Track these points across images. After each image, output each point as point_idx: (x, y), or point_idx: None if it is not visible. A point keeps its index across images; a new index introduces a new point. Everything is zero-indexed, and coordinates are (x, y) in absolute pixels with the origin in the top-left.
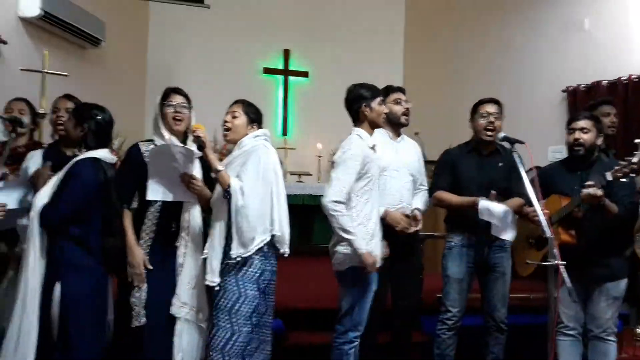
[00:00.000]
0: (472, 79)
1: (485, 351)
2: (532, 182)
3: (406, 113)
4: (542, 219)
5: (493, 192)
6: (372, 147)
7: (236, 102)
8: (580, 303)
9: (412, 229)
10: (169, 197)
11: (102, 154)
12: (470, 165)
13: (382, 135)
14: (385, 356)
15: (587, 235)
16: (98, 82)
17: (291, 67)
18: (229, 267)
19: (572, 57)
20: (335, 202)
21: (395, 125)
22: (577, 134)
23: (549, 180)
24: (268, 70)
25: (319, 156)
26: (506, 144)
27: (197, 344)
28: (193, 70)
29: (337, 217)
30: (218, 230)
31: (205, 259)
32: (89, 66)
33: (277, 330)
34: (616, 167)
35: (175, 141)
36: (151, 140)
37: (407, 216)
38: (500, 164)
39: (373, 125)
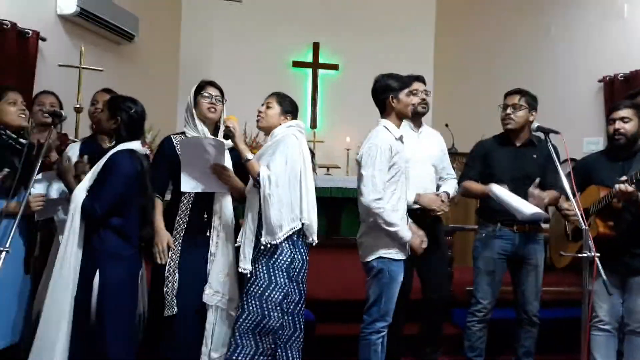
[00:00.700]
0: (504, 69)
1: (517, 344)
2: (567, 175)
3: (422, 102)
4: (577, 210)
5: (537, 180)
6: (399, 139)
7: (272, 94)
8: (616, 297)
9: (445, 210)
10: (202, 189)
11: (136, 145)
12: (504, 156)
13: (402, 126)
14: (413, 347)
15: (625, 227)
16: (132, 77)
17: (321, 60)
18: (260, 254)
19: (610, 46)
20: (376, 199)
21: (414, 115)
22: (618, 124)
23: (589, 170)
24: (297, 64)
25: (348, 149)
26: (541, 135)
27: (227, 330)
28: (223, 64)
29: (381, 214)
30: (250, 219)
31: (237, 248)
32: (123, 61)
33: (306, 321)
34: None
35: (207, 132)
36: (183, 133)
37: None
38: (534, 156)
39: (400, 117)
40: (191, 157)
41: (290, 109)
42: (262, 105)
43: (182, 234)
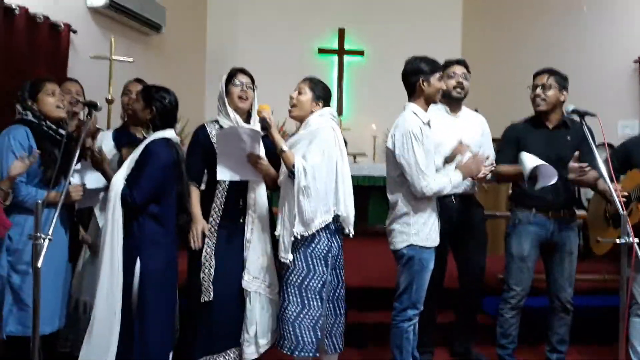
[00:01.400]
0: (534, 51)
1: (550, 332)
2: (605, 161)
3: (458, 86)
4: (615, 195)
5: (577, 153)
6: (427, 123)
7: (304, 79)
8: None
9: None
10: (237, 177)
11: (171, 134)
12: (537, 139)
13: (438, 110)
14: (446, 335)
15: None
16: (160, 67)
17: (346, 47)
18: (298, 243)
19: None
20: (426, 186)
21: (450, 99)
22: None
23: (630, 154)
24: (323, 51)
25: (374, 136)
26: (575, 117)
27: (270, 315)
28: (249, 53)
29: (437, 190)
30: (287, 209)
31: (273, 235)
32: (151, 52)
33: None
34: None
35: (240, 121)
36: (216, 121)
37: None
38: (568, 138)
39: (429, 101)
40: (227, 146)
41: (322, 94)
42: (295, 90)
43: (218, 221)
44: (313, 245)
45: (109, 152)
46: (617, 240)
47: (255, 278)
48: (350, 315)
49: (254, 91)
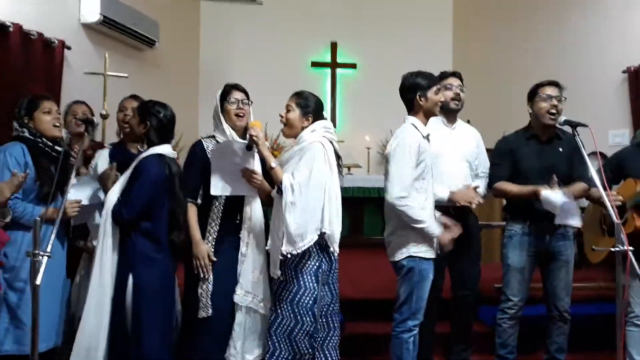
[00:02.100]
0: (525, 62)
1: (549, 341)
2: (598, 171)
3: (456, 98)
4: (609, 204)
5: (555, 177)
6: (426, 137)
7: (292, 95)
8: None
9: (481, 201)
10: (232, 192)
11: (166, 149)
12: (530, 152)
13: (436, 122)
14: (445, 346)
15: None
16: (153, 82)
17: (339, 60)
18: (289, 259)
19: (633, 36)
20: (400, 197)
21: (447, 111)
22: None
23: (623, 163)
24: (316, 64)
25: (368, 148)
26: (566, 128)
27: (259, 330)
28: (242, 67)
29: (407, 212)
30: (277, 224)
31: (268, 250)
32: (145, 66)
33: None
34: None
35: (236, 136)
36: (212, 137)
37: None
38: (560, 149)
39: (428, 115)
40: (221, 160)
41: (311, 108)
42: (284, 109)
43: (215, 236)
44: (303, 261)
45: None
46: (612, 249)
47: (247, 293)
48: (348, 326)
49: (249, 106)
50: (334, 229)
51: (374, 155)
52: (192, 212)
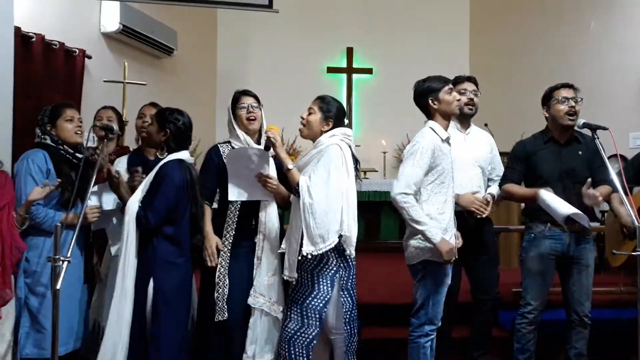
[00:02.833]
0: (543, 66)
1: (568, 346)
2: (618, 173)
3: (469, 103)
4: (629, 207)
5: (589, 181)
6: (446, 140)
7: (316, 98)
8: None
9: (485, 212)
10: (248, 197)
11: (184, 155)
12: (548, 155)
13: (449, 127)
14: (461, 351)
15: None
16: (172, 89)
17: (355, 65)
18: (307, 262)
19: None
20: (403, 194)
21: (461, 116)
22: None
23: None
24: (332, 70)
25: (384, 152)
26: (585, 131)
27: (273, 334)
28: (259, 73)
29: (407, 209)
30: (294, 227)
31: (283, 254)
32: (163, 74)
33: None
34: None
35: (250, 141)
36: (228, 142)
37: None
38: (580, 152)
39: (446, 117)
40: (237, 167)
41: (333, 114)
42: (306, 111)
43: (230, 240)
44: (322, 265)
45: (123, 176)
46: (633, 252)
47: (261, 295)
48: (365, 332)
49: (260, 109)
50: (352, 231)
51: (390, 160)
52: (207, 213)
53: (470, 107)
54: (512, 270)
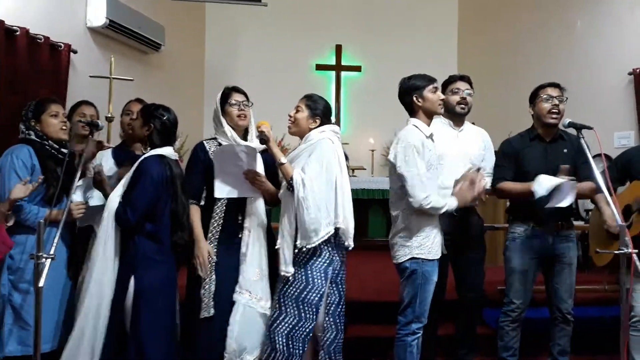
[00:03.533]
0: (530, 65)
1: (551, 343)
2: (602, 172)
3: (462, 102)
4: (613, 206)
5: (565, 167)
6: (429, 137)
7: (303, 97)
8: None
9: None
10: (235, 194)
11: (167, 151)
12: (534, 153)
13: (442, 124)
14: (448, 348)
15: None
16: (159, 85)
17: (344, 62)
18: (299, 256)
19: (639, 38)
20: (425, 198)
21: (453, 114)
22: None
23: (630, 165)
24: (320, 67)
25: (372, 150)
26: (570, 130)
27: (258, 329)
28: (247, 70)
29: (433, 206)
30: (287, 222)
31: (271, 249)
32: (150, 70)
33: None
34: None
35: (237, 138)
36: (214, 139)
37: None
38: (565, 150)
39: (429, 115)
40: (224, 164)
41: (320, 111)
42: (293, 109)
43: (217, 237)
44: (315, 258)
45: (109, 170)
46: (616, 251)
47: (247, 291)
48: (351, 329)
49: (249, 108)
50: (349, 223)
51: (378, 158)
52: (196, 213)
53: (463, 106)
54: (497, 268)
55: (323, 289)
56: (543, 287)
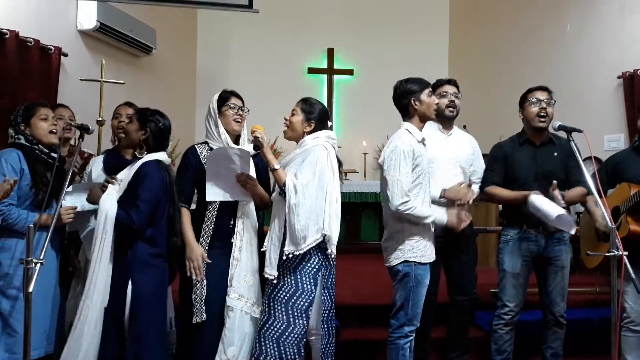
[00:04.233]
0: (521, 68)
1: (544, 346)
2: (593, 175)
3: (450, 105)
4: (603, 208)
5: (554, 182)
6: (422, 141)
7: (299, 101)
8: None
9: (467, 199)
10: (227, 198)
11: (163, 156)
12: (524, 157)
13: (432, 128)
14: (440, 351)
15: None
16: (150, 88)
17: (336, 66)
18: (288, 261)
19: (629, 41)
20: (402, 204)
21: (443, 118)
22: None
23: (618, 167)
24: (312, 70)
25: (365, 153)
26: (561, 133)
27: (251, 334)
28: (239, 73)
29: (412, 213)
30: (277, 226)
31: (262, 253)
32: (142, 73)
33: None
34: None
35: (230, 142)
36: (206, 143)
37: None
38: (555, 154)
39: (423, 119)
40: (217, 167)
41: (315, 115)
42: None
43: (208, 241)
44: (304, 263)
45: (99, 176)
46: (607, 254)
47: (241, 296)
48: (344, 332)
49: (245, 114)
50: (333, 231)
51: (371, 161)
52: (186, 216)
53: (452, 109)
54: (490, 271)
55: (312, 295)
56: (536, 290)
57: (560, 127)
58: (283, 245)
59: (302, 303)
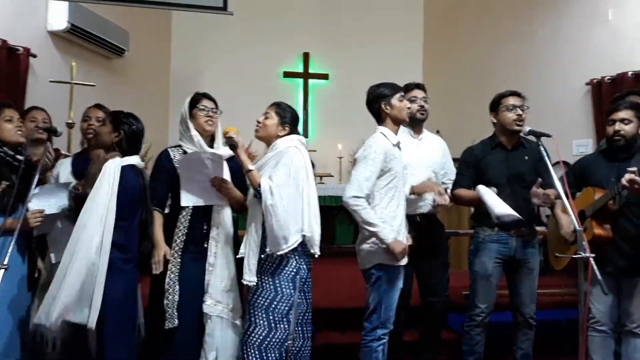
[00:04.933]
0: (493, 74)
1: (515, 347)
2: (561, 179)
3: (420, 109)
4: (572, 212)
5: (540, 180)
6: (397, 145)
7: (272, 104)
8: (613, 298)
9: (443, 200)
10: (201, 202)
11: (136, 160)
12: (496, 160)
13: (402, 133)
14: (413, 354)
15: (620, 228)
16: (123, 91)
17: (311, 70)
18: (266, 265)
19: (596, 49)
20: (354, 197)
21: (414, 122)
22: (618, 125)
23: (585, 171)
24: (288, 74)
25: (340, 157)
26: (531, 138)
27: (232, 340)
28: (214, 77)
29: (359, 212)
30: (254, 230)
31: (239, 259)
32: (113, 76)
33: None
34: None
35: (204, 145)
36: (179, 146)
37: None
38: (526, 157)
39: (396, 122)
40: (190, 172)
41: (289, 120)
42: (262, 115)
43: (181, 246)
44: (282, 267)
45: (67, 179)
46: (574, 256)
47: (218, 302)
48: (318, 336)
49: (218, 115)
50: (314, 230)
51: (346, 165)
52: (158, 220)
53: (422, 112)
54: (462, 274)
55: (292, 298)
56: (507, 292)
57: (530, 132)
58: (262, 250)
59: (282, 307)
